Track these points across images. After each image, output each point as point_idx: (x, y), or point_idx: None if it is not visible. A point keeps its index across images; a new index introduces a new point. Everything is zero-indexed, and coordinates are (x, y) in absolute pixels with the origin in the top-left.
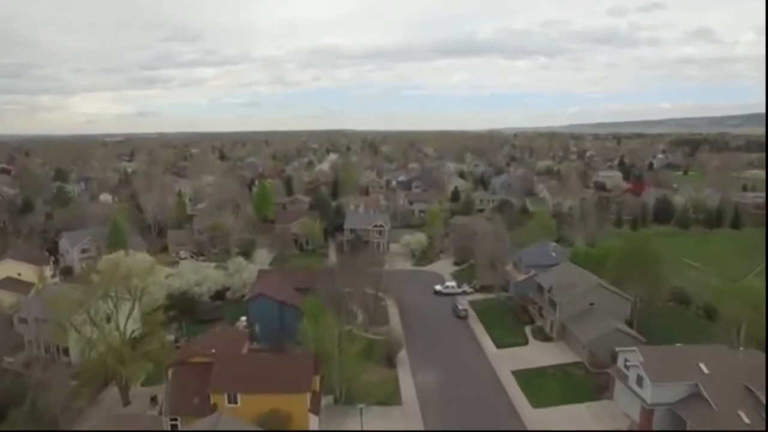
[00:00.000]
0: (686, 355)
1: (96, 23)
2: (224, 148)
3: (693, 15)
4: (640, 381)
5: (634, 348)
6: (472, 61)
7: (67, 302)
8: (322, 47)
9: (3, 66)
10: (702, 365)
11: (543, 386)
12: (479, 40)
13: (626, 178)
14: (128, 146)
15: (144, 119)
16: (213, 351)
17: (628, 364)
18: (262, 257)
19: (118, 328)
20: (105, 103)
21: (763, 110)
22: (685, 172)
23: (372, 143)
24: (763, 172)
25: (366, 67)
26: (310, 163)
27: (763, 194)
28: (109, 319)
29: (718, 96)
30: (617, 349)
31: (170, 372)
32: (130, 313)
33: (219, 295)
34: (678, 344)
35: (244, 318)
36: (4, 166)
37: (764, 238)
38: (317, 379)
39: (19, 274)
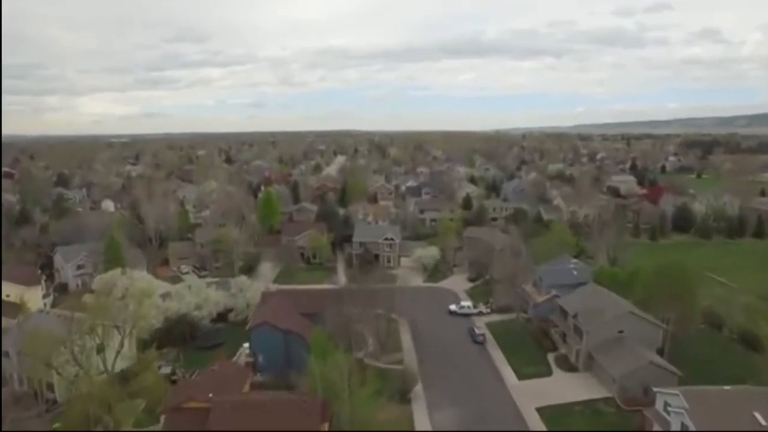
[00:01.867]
0: (737, 400)
1: (102, 23)
2: (231, 149)
3: (700, 15)
4: (685, 430)
5: (677, 392)
6: (478, 62)
7: (48, 339)
8: (328, 48)
9: (9, 67)
10: (757, 414)
11: (572, 427)
12: (485, 40)
13: (640, 182)
14: (134, 148)
15: (150, 120)
16: (210, 395)
17: (669, 408)
18: (267, 271)
19: (105, 367)
20: (111, 104)
21: None
22: (699, 175)
23: (379, 145)
24: None
25: (372, 68)
26: (318, 167)
27: None
28: (99, 351)
29: (724, 96)
30: (656, 390)
31: (163, 418)
32: (118, 352)
33: (221, 317)
34: (726, 387)
35: (246, 345)
36: (8, 169)
37: None
38: (325, 426)
39: (8, 296)
